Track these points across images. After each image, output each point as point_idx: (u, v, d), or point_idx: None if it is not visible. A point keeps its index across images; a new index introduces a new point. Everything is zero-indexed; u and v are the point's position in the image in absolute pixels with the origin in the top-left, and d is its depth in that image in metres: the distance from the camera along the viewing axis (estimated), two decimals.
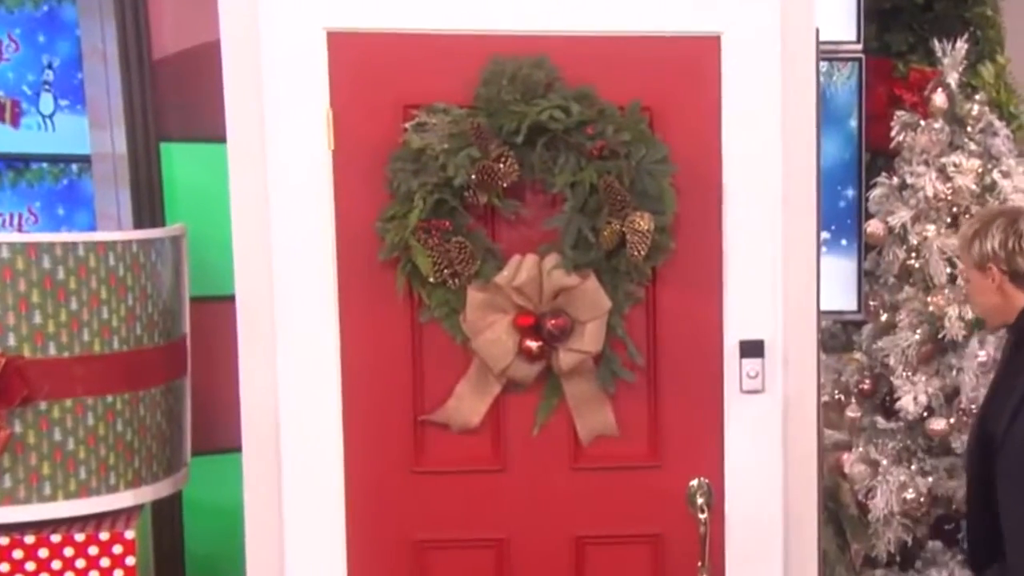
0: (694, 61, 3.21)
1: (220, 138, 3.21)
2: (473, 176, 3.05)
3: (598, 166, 3.09)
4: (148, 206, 3.86)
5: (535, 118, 3.06)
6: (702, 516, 3.16)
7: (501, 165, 3.06)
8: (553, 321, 3.13)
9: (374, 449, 3.23)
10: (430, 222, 3.09)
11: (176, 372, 3.50)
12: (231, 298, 3.21)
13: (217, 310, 3.54)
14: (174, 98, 3.91)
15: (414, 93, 3.15)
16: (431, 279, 3.12)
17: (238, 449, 3.23)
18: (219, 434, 3.61)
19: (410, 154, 3.10)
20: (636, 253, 3.07)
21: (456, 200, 3.10)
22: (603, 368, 3.21)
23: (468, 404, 3.21)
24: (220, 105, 3.18)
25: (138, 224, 3.84)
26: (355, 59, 3.17)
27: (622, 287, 3.17)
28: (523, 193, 3.17)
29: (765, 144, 3.22)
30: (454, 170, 3.05)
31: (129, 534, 3.21)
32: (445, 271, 3.11)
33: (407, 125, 3.12)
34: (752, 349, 3.23)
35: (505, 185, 3.08)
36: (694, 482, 3.25)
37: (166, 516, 3.84)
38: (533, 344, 3.14)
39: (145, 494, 3.37)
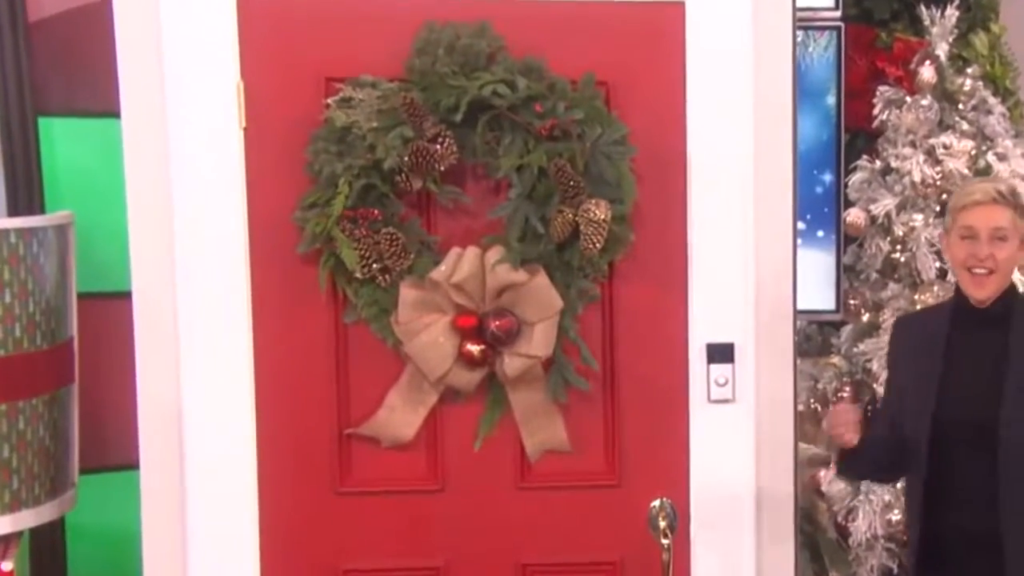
0: (656, 29, 3.30)
1: (111, 113, 3.26)
2: (406, 158, 3.11)
3: (548, 148, 3.16)
4: (25, 190, 3.85)
5: (476, 93, 3.13)
6: (665, 541, 3.20)
7: (438, 146, 3.12)
8: (497, 322, 3.21)
9: (293, 467, 3.29)
10: (357, 210, 3.15)
11: (62, 379, 3.51)
12: (127, 295, 3.27)
13: (110, 308, 3.56)
14: (55, 66, 3.90)
15: (337, 64, 3.21)
16: (358, 275, 3.19)
17: (134, 466, 3.28)
18: (112, 450, 3.64)
19: (333, 133, 3.16)
20: (591, 246, 3.15)
21: (386, 185, 3.17)
22: (554, 375, 3.29)
23: (400, 416, 3.29)
24: (111, 75, 3.23)
25: (13, 210, 3.83)
26: (269, 25, 3.23)
27: (575, 284, 3.25)
28: (463, 178, 3.25)
29: (735, 123, 3.32)
30: (384, 151, 3.12)
31: (6, 565, 3.23)
32: (374, 266, 3.17)
33: (330, 100, 3.18)
34: (720, 353, 3.34)
35: (442, 169, 3.15)
36: (656, 503, 3.34)
37: (47, 544, 3.84)
38: (474, 348, 3.22)
39: (25, 519, 3.38)
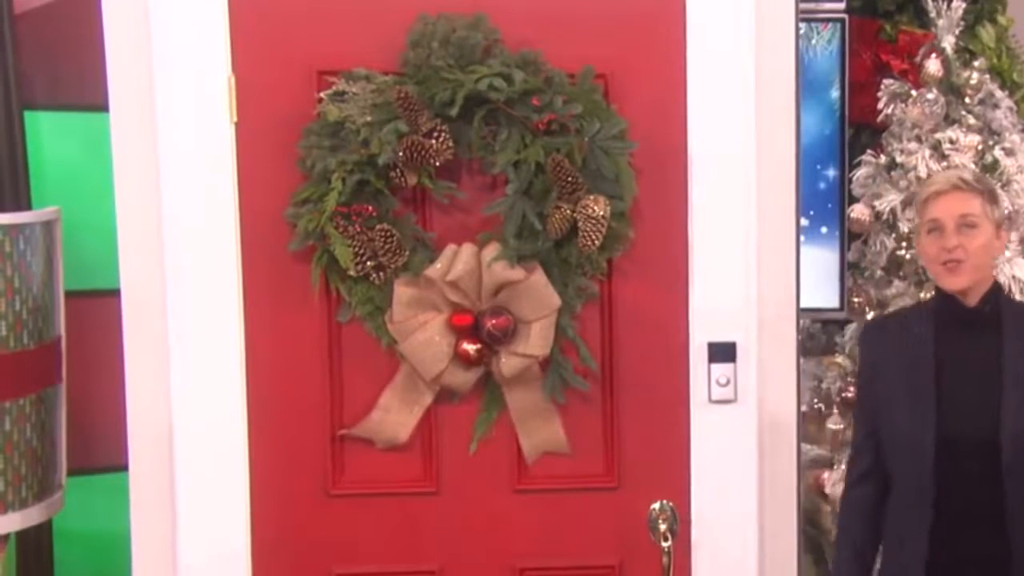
0: (655, 21, 3.30)
1: (99, 106, 3.27)
2: (400, 153, 3.12)
3: (545, 142, 3.17)
4: (11, 185, 3.87)
5: (472, 87, 3.13)
6: (665, 544, 3.22)
7: (433, 141, 3.13)
8: (493, 321, 3.21)
9: (285, 469, 3.30)
10: (350, 206, 3.16)
11: (49, 379, 3.53)
12: (115, 293, 3.27)
13: (98, 307, 3.58)
14: (41, 59, 3.91)
15: (330, 57, 3.22)
16: (351, 272, 3.19)
17: (123, 468, 3.29)
18: (100, 451, 3.65)
19: (326, 128, 3.17)
20: (589, 243, 3.16)
21: (380, 181, 3.17)
22: (551, 375, 3.30)
23: (395, 416, 3.29)
24: (99, 68, 3.23)
25: None
26: (261, 17, 3.23)
27: (573, 282, 3.26)
28: (458, 173, 3.26)
29: (737, 117, 3.31)
30: (378, 146, 3.12)
31: None
32: (368, 263, 3.18)
33: (323, 94, 3.19)
34: (722, 353, 3.34)
35: (438, 164, 3.16)
36: (656, 505, 3.34)
37: (34, 547, 3.86)
38: (470, 347, 3.22)
39: (12, 522, 3.40)
